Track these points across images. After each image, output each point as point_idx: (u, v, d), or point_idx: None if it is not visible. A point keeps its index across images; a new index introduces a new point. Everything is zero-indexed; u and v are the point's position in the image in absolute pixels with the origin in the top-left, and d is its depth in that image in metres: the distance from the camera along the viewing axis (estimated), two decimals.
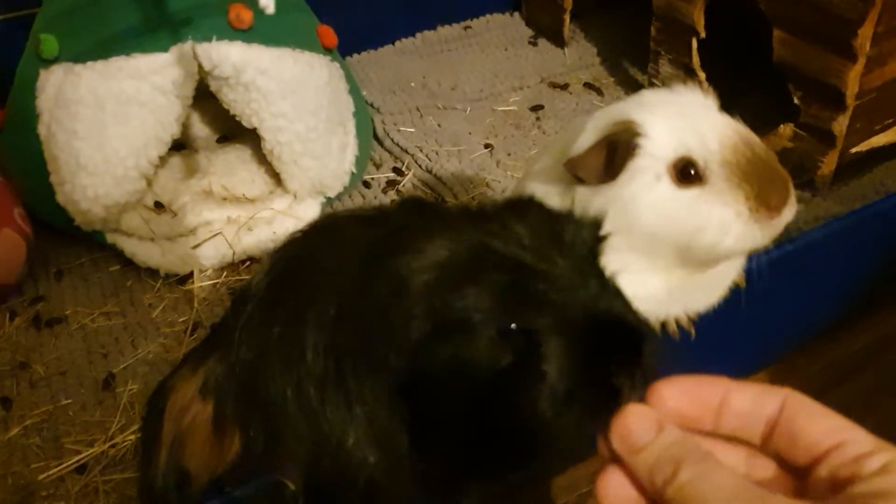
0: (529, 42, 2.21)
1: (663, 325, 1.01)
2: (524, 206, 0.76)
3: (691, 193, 0.92)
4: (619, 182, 0.93)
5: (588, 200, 0.94)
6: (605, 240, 0.74)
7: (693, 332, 1.02)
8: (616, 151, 0.92)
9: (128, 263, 1.56)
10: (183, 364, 0.90)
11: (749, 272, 1.06)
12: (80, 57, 1.42)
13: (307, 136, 1.53)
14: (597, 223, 0.75)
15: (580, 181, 0.96)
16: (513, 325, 0.67)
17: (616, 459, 0.60)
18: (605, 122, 0.97)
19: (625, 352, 0.68)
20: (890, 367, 1.37)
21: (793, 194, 0.94)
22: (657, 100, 0.99)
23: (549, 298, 0.68)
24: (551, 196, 0.99)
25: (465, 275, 0.68)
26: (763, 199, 0.91)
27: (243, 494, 0.78)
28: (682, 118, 0.94)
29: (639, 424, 0.59)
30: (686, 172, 0.92)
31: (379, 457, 0.73)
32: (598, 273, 0.72)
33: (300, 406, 0.72)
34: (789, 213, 0.94)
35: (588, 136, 0.97)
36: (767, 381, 1.35)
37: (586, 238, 0.73)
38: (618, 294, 0.72)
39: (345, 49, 2.06)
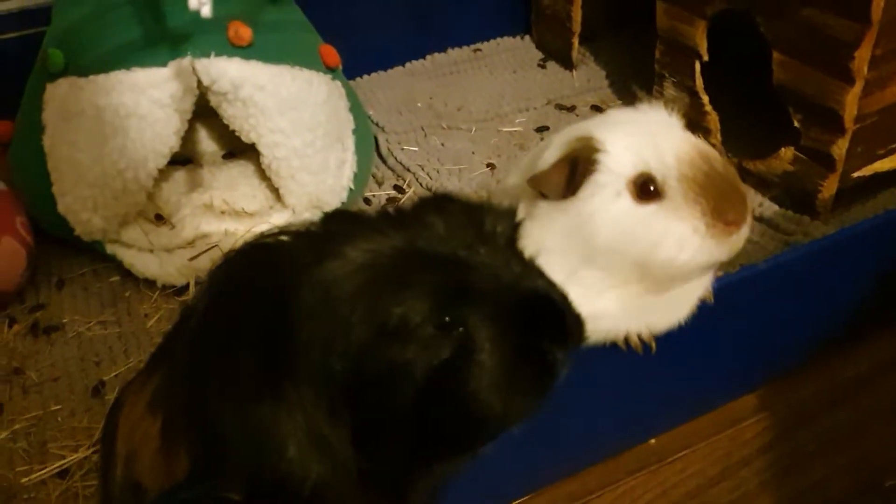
0: (538, 65, 2.22)
1: (626, 340, 1.01)
2: (441, 202, 0.78)
3: (650, 209, 0.92)
4: (579, 197, 0.94)
5: (551, 216, 0.95)
6: (520, 226, 0.77)
7: (654, 346, 1.01)
8: (577, 167, 0.93)
9: (128, 274, 1.59)
10: (135, 378, 0.91)
11: (719, 290, 1.05)
12: (84, 71, 1.46)
13: (304, 152, 1.55)
14: (512, 212, 0.78)
15: (544, 197, 0.96)
16: (447, 319, 0.69)
17: None
18: (568, 139, 0.98)
19: (554, 327, 0.73)
20: (883, 393, 1.34)
21: (750, 210, 0.94)
22: (620, 118, 1.01)
23: (478, 287, 0.71)
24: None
25: (397, 279, 0.69)
26: (719, 214, 0.91)
27: (189, 496, 0.78)
28: (641, 135, 0.95)
29: None
30: (645, 188, 0.92)
31: (323, 465, 0.73)
32: (519, 256, 0.75)
33: (238, 420, 0.72)
34: (746, 229, 0.93)
35: (552, 152, 0.98)
36: (756, 404, 1.33)
37: (505, 227, 0.76)
38: (540, 273, 0.75)
39: (355, 70, 2.10)
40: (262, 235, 0.80)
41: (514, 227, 0.77)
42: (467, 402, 0.71)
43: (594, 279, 0.94)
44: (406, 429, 0.72)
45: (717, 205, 0.91)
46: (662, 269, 0.94)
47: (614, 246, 0.93)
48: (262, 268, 0.75)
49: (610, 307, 0.96)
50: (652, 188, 0.92)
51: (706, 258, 0.93)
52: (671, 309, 1.01)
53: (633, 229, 0.92)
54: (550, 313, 0.74)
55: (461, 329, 0.70)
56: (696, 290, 1.03)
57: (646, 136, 0.94)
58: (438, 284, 0.69)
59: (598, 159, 0.92)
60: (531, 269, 0.75)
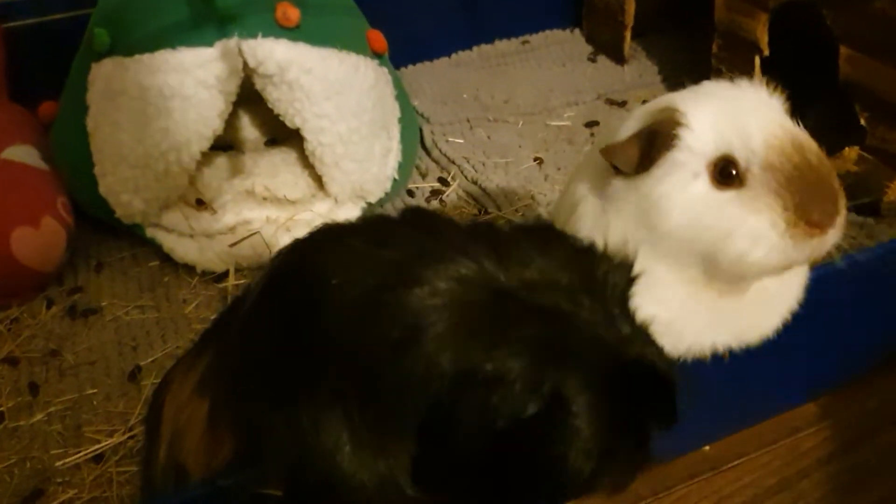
0: (588, 58, 2.17)
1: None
2: (545, 235, 0.71)
3: (727, 196, 0.84)
4: (653, 175, 0.86)
5: (622, 195, 0.88)
6: (636, 281, 0.70)
7: (727, 356, 0.95)
8: (654, 141, 0.85)
9: (167, 260, 1.56)
10: (183, 358, 0.88)
11: None
12: (129, 50, 1.43)
13: (349, 139, 1.51)
14: (629, 263, 0.71)
15: (617, 171, 0.89)
16: (542, 383, 0.63)
17: None
18: (653, 108, 0.90)
19: (656, 401, 0.67)
20: None
21: (842, 213, 0.85)
22: (713, 91, 0.91)
23: (578, 350, 0.64)
24: (591, 192, 0.94)
25: (493, 329, 0.64)
26: (803, 212, 0.82)
27: (227, 486, 0.74)
28: (731, 113, 0.86)
29: None
30: (726, 173, 0.84)
31: (375, 486, 0.68)
32: (629, 317, 0.68)
33: (288, 421, 0.68)
34: (834, 234, 0.84)
35: (633, 122, 0.90)
36: (817, 413, 1.26)
37: (619, 280, 0.69)
38: (648, 339, 0.69)
39: (402, 59, 2.06)
40: (332, 226, 0.77)
41: (629, 282, 0.71)
42: (553, 463, 0.65)
43: (660, 274, 0.86)
44: (473, 470, 0.66)
45: (803, 201, 0.82)
46: (732, 266, 0.85)
47: (683, 233, 0.85)
48: (336, 269, 0.70)
49: (695, 317, 0.89)
50: (733, 172, 0.84)
51: (781, 258, 0.84)
52: (760, 318, 0.94)
53: (705, 216, 0.84)
54: (654, 386, 0.67)
55: (555, 392, 0.64)
56: (789, 297, 0.95)
57: (735, 115, 0.85)
58: (536, 343, 0.63)
59: (679, 134, 0.84)
60: (639, 333, 0.68)
